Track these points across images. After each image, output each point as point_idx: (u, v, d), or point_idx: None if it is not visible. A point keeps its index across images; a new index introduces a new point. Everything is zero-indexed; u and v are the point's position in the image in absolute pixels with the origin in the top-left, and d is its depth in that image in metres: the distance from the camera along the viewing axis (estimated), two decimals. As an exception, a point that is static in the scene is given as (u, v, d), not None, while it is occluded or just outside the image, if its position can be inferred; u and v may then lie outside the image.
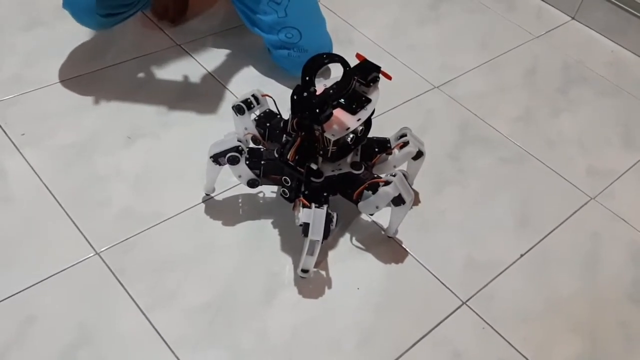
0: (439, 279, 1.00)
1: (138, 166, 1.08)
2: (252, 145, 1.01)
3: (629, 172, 1.25)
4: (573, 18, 1.67)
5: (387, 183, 0.92)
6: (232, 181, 1.04)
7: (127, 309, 0.89)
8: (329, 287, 0.96)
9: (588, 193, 1.19)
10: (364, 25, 1.49)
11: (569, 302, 1.01)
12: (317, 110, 0.83)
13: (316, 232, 0.87)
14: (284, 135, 0.95)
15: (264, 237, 1.01)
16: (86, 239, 0.96)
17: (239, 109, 0.99)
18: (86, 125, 1.13)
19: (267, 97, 1.02)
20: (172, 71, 1.27)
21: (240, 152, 0.93)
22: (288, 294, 0.94)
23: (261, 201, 1.06)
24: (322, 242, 0.88)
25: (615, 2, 1.57)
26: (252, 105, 1.00)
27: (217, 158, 0.94)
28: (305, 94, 0.84)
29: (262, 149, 0.99)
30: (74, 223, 0.97)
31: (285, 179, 0.96)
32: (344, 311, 0.93)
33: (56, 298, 0.88)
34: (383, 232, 1.04)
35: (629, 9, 1.55)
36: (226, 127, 1.02)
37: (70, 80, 1.21)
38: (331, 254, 1.00)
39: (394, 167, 1.02)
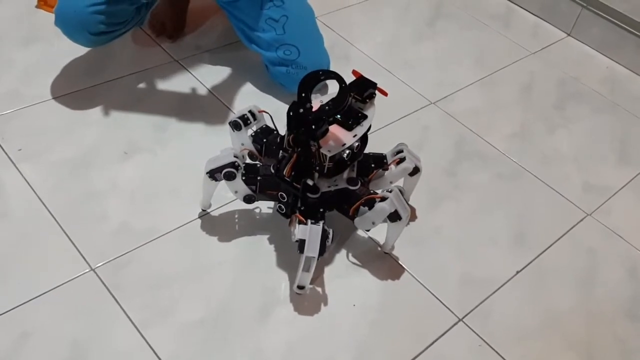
0: (435, 296, 1.00)
1: (134, 182, 1.07)
2: (248, 160, 1.01)
3: (624, 188, 1.25)
4: (569, 34, 1.68)
5: (383, 199, 0.92)
6: (229, 197, 1.04)
7: (121, 325, 0.88)
8: (325, 304, 0.95)
9: (584, 209, 1.19)
10: (360, 42, 1.50)
11: (565, 318, 1.00)
12: (313, 127, 0.84)
13: (312, 249, 0.87)
14: (281, 151, 0.95)
15: (259, 253, 1.01)
16: (81, 255, 0.95)
17: (235, 125, 1.00)
18: (83, 140, 1.13)
19: (263, 113, 1.03)
20: (169, 86, 1.28)
21: (237, 167, 0.93)
22: (284, 310, 0.94)
23: (257, 217, 1.06)
24: (318, 259, 0.88)
25: (611, 19, 1.58)
26: (248, 121, 1.00)
27: (213, 174, 0.94)
28: (301, 110, 0.85)
29: (258, 165, 0.99)
30: (69, 239, 0.97)
31: (281, 194, 0.96)
32: (340, 328, 0.93)
33: (51, 314, 0.88)
34: (379, 248, 1.04)
35: (624, 26, 1.56)
36: (223, 143, 1.02)
37: (67, 96, 1.21)
38: (327, 270, 1.00)
39: (391, 183, 1.02)
